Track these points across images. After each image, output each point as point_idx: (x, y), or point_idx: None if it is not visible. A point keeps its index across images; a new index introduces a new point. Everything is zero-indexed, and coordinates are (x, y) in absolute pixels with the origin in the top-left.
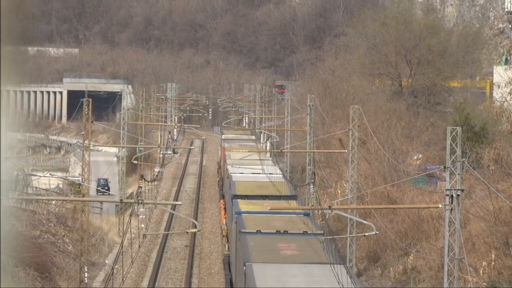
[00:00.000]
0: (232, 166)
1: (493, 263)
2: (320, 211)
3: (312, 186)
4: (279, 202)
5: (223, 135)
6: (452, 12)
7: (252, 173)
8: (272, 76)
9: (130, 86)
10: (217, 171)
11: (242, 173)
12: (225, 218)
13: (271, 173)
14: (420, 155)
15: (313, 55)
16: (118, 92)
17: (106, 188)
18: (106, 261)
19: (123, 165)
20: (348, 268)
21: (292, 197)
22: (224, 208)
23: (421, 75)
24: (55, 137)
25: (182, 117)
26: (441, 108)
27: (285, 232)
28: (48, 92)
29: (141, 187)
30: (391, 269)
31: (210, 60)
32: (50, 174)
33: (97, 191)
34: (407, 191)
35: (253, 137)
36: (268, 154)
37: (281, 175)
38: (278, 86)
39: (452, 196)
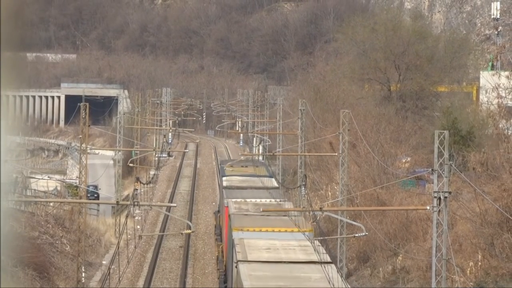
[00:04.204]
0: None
1: (479, 263)
2: (311, 213)
3: (303, 189)
4: None
5: (224, 178)
6: (440, 19)
7: None
8: (264, 81)
9: (126, 91)
10: (214, 233)
11: None
12: None
13: None
14: (409, 158)
15: (304, 61)
16: (115, 97)
17: (95, 195)
18: (103, 262)
19: (119, 168)
20: None
21: None
22: None
23: (410, 80)
24: (53, 141)
25: (177, 121)
26: (429, 112)
27: None
28: (47, 97)
29: (137, 189)
30: (381, 269)
31: (204, 66)
32: (48, 177)
33: (86, 197)
34: (396, 193)
35: (274, 182)
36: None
37: None
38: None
39: (439, 198)
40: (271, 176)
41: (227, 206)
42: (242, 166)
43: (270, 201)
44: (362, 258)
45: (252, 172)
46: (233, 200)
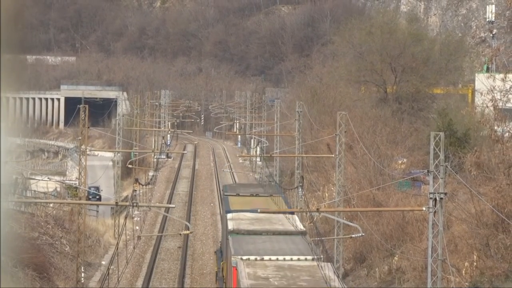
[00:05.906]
0: None
1: (475, 263)
2: (308, 213)
3: (300, 190)
4: None
5: (229, 215)
6: (436, 22)
7: None
8: (262, 83)
9: (125, 93)
10: (215, 282)
11: None
12: None
13: None
14: (405, 160)
15: (302, 63)
16: (114, 98)
17: (97, 197)
18: (102, 262)
19: (118, 169)
20: None
21: None
22: None
23: (406, 82)
24: (52, 142)
25: (175, 123)
26: (425, 114)
27: None
28: (46, 99)
29: (135, 190)
30: (377, 269)
31: (202, 68)
32: (48, 178)
33: (88, 199)
34: (392, 194)
35: (298, 222)
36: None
37: None
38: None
39: (435, 199)
40: (292, 212)
41: (236, 267)
42: (252, 195)
43: (299, 258)
44: (359, 258)
45: (266, 206)
46: (245, 259)
